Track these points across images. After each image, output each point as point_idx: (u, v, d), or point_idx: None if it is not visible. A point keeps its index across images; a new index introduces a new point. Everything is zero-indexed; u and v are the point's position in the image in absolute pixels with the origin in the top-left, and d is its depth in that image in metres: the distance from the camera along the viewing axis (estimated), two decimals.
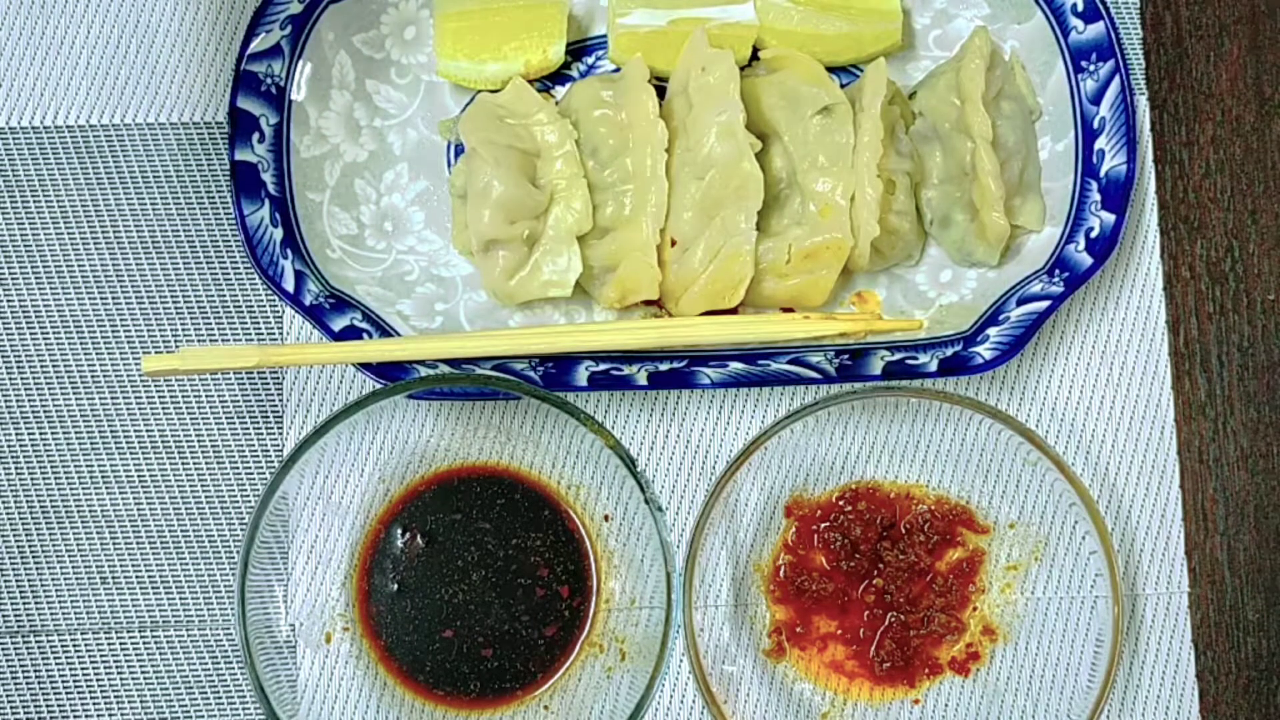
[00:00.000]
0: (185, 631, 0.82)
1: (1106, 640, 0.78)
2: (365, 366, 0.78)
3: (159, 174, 0.84)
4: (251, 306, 0.84)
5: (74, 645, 0.82)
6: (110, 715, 0.82)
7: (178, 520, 0.82)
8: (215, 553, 0.82)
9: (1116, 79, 0.80)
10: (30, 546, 0.82)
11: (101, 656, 0.82)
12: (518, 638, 0.80)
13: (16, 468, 0.83)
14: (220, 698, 0.82)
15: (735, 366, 0.79)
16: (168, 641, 0.82)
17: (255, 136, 0.79)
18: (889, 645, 0.81)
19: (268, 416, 0.83)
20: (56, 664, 0.82)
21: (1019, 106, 0.82)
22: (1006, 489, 0.82)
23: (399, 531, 0.81)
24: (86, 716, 0.82)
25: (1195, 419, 0.84)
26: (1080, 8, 0.81)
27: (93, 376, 0.83)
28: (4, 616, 0.82)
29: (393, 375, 0.78)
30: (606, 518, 0.82)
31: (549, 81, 0.84)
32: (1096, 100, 0.81)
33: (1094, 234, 0.80)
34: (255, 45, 0.79)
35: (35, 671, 0.82)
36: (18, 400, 0.83)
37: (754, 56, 0.83)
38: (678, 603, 0.75)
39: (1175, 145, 0.86)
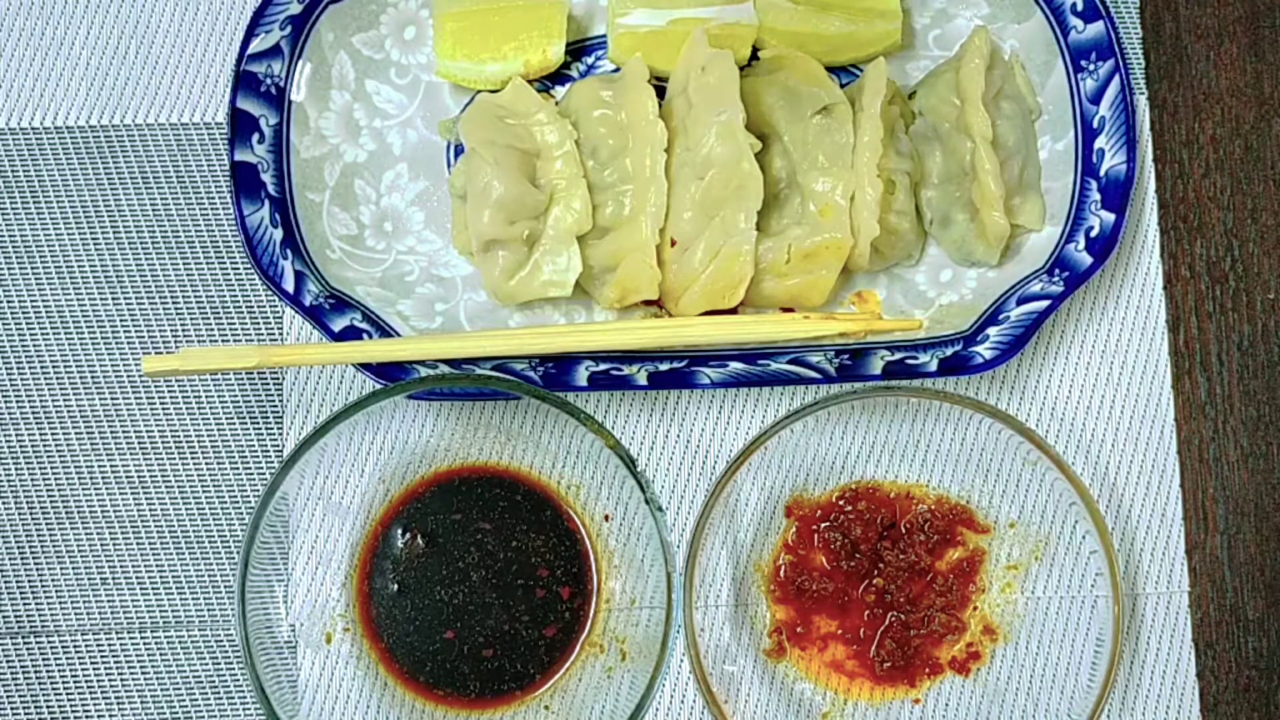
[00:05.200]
0: (185, 631, 0.82)
1: (1106, 640, 0.78)
2: (365, 366, 0.78)
3: (159, 174, 0.84)
4: (251, 306, 0.84)
5: (74, 646, 0.82)
6: (110, 715, 0.82)
7: (178, 520, 0.82)
8: (215, 553, 0.82)
9: (1116, 78, 0.80)
10: (30, 546, 0.82)
11: (101, 657, 0.82)
12: (518, 638, 0.80)
13: (16, 468, 0.83)
14: (220, 698, 0.82)
15: (735, 366, 0.79)
16: (168, 642, 0.82)
17: (255, 137, 0.79)
18: (889, 645, 0.81)
19: (268, 416, 0.83)
20: (56, 664, 0.82)
21: (1019, 106, 0.82)
22: (1006, 489, 0.82)
23: (399, 532, 0.81)
24: (87, 717, 0.82)
25: (1195, 418, 0.84)
26: (1080, 7, 0.81)
27: (93, 376, 0.83)
28: (4, 616, 0.82)
29: (393, 375, 0.78)
30: (606, 518, 0.81)
31: (549, 81, 0.84)
32: (1096, 99, 0.81)
33: (1094, 233, 0.80)
34: (255, 45, 0.79)
35: (35, 672, 0.82)
36: (18, 400, 0.83)
37: (754, 56, 0.83)
38: (678, 603, 0.75)
39: (1175, 145, 0.86)
